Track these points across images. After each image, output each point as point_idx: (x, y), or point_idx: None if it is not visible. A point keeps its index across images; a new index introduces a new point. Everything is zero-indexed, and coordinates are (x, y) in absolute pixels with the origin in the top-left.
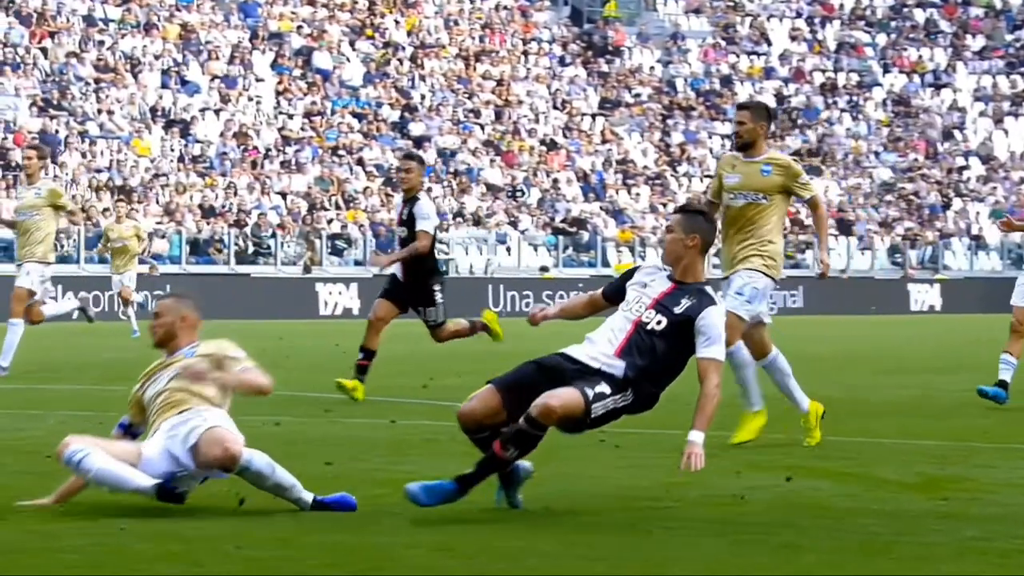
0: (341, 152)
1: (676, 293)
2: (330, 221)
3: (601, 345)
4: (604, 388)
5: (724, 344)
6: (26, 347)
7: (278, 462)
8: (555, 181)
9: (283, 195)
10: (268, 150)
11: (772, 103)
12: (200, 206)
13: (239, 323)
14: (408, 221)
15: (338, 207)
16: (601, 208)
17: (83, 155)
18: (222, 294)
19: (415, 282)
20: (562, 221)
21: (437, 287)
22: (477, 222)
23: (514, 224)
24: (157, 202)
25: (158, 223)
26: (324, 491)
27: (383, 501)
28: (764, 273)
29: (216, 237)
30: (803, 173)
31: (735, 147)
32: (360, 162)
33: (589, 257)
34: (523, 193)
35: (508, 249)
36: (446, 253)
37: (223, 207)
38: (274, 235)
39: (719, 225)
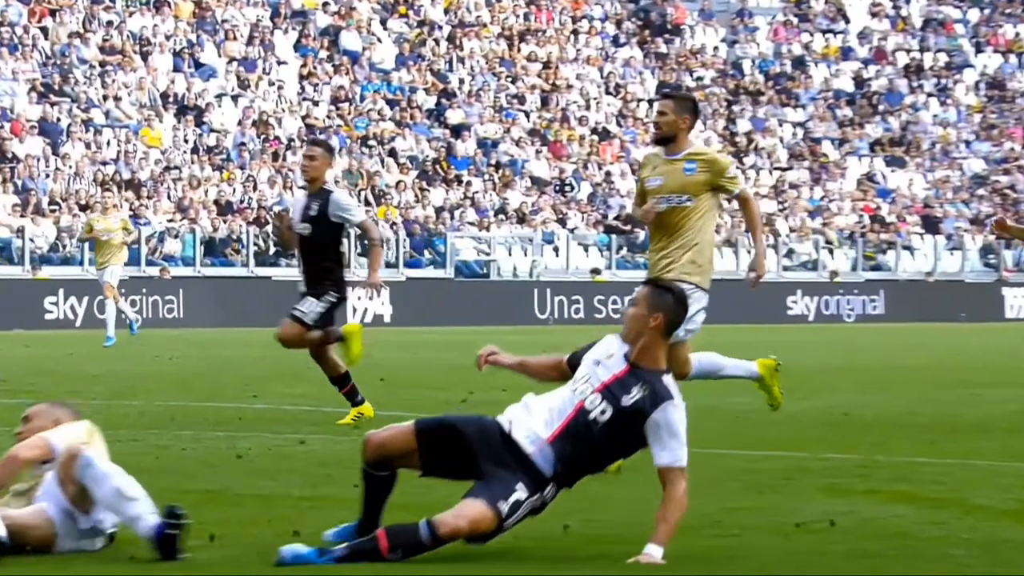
0: (371, 142)
1: (628, 379)
2: None
3: (537, 423)
4: (521, 494)
5: (686, 445)
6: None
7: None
8: (608, 174)
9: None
10: (291, 140)
11: (850, 87)
12: (216, 202)
13: (259, 331)
14: (318, 218)
15: (368, 203)
16: None
17: (87, 146)
18: (240, 299)
19: (313, 274)
20: (615, 218)
21: (333, 291)
22: (521, 220)
23: (562, 222)
24: (169, 198)
25: (170, 221)
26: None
27: None
28: (696, 285)
29: (234, 236)
30: (730, 166)
31: (653, 140)
32: (392, 153)
33: (645, 258)
34: (572, 187)
35: (556, 250)
36: (487, 254)
37: (241, 203)
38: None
39: (648, 232)
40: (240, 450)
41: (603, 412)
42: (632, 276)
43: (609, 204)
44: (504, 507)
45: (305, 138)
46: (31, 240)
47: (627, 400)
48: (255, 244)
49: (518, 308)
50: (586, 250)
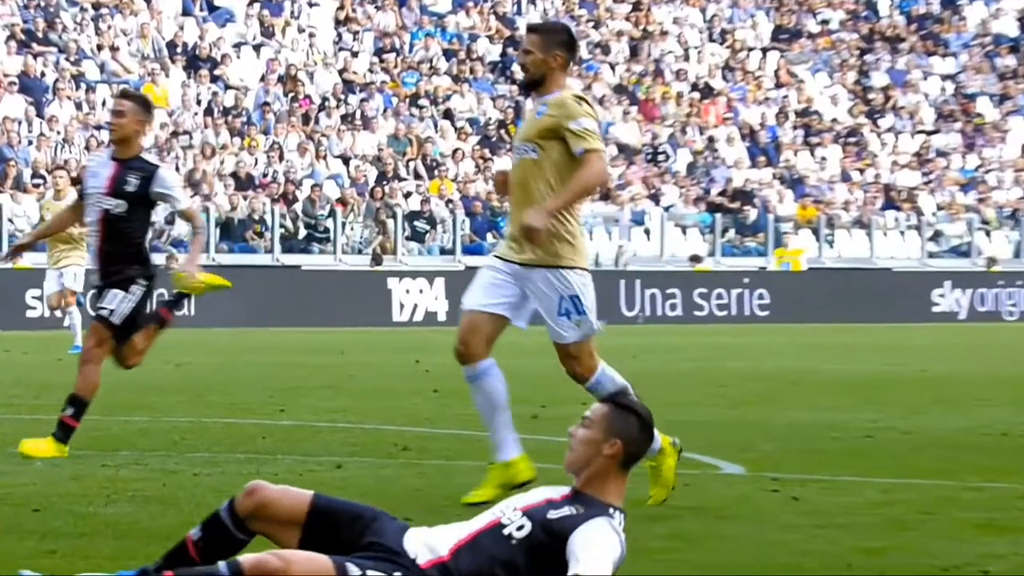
0: (422, 102)
1: (564, 502)
2: (408, 195)
3: (442, 535)
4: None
5: (608, 563)
6: None
7: None
8: (711, 140)
9: (345, 160)
10: (325, 100)
11: (1014, 30)
12: (234, 175)
13: (286, 331)
14: (136, 196)
15: (418, 176)
16: (774, 176)
17: (78, 106)
18: (264, 293)
19: (111, 263)
20: (720, 194)
21: (140, 280)
22: (605, 196)
23: (655, 199)
24: (177, 169)
25: None
26: None
27: None
28: (582, 268)
29: (256, 216)
30: (584, 115)
31: (520, 85)
32: (448, 115)
33: (756, 242)
34: (668, 157)
35: (647, 232)
36: None
37: (265, 176)
38: (333, 214)
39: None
40: (265, 476)
41: (520, 528)
42: (741, 265)
43: (712, 176)
44: (354, 571)
45: (340, 97)
46: (9, 221)
47: (553, 514)
48: (281, 226)
49: (601, 303)
50: (684, 232)
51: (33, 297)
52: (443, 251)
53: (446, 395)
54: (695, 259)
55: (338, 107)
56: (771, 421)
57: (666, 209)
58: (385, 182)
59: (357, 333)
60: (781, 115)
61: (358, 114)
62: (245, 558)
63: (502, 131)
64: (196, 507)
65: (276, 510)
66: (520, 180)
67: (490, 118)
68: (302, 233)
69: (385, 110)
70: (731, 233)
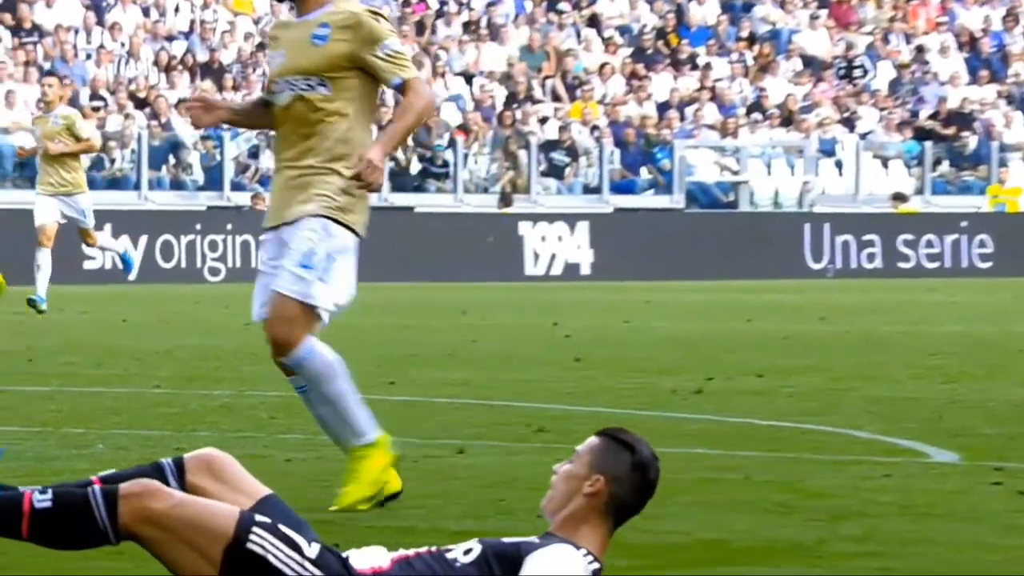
0: (562, 6)
1: (527, 541)
2: (544, 120)
3: (382, 551)
4: (295, 537)
5: None
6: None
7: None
8: (919, 50)
9: (468, 78)
10: (443, 4)
11: None
12: None
13: (396, 287)
14: None
15: (556, 97)
16: (1000, 94)
17: (145, 12)
18: (368, 240)
19: None
20: (931, 117)
21: None
22: (787, 121)
23: (849, 124)
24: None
25: None
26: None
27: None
28: (336, 221)
29: None
30: (390, 35)
31: None
32: (593, 22)
33: (976, 177)
34: (865, 72)
35: (838, 165)
36: (734, 173)
37: None
38: (452, 144)
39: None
40: None
41: (467, 552)
42: (957, 205)
43: (921, 96)
44: (256, 515)
45: (463, 1)
46: None
47: (509, 540)
48: (392, 159)
49: (781, 253)
50: (885, 165)
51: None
52: (587, 189)
53: (590, 365)
54: (899, 198)
55: (459, 13)
56: (993, 399)
57: (863, 137)
58: (516, 105)
59: (482, 289)
60: (1010, 18)
61: (484, 21)
62: (125, 485)
63: (660, 42)
64: (289, 499)
65: (234, 474)
66: (295, 127)
67: (645, 25)
68: (415, 168)
69: (517, 16)
70: (944, 166)
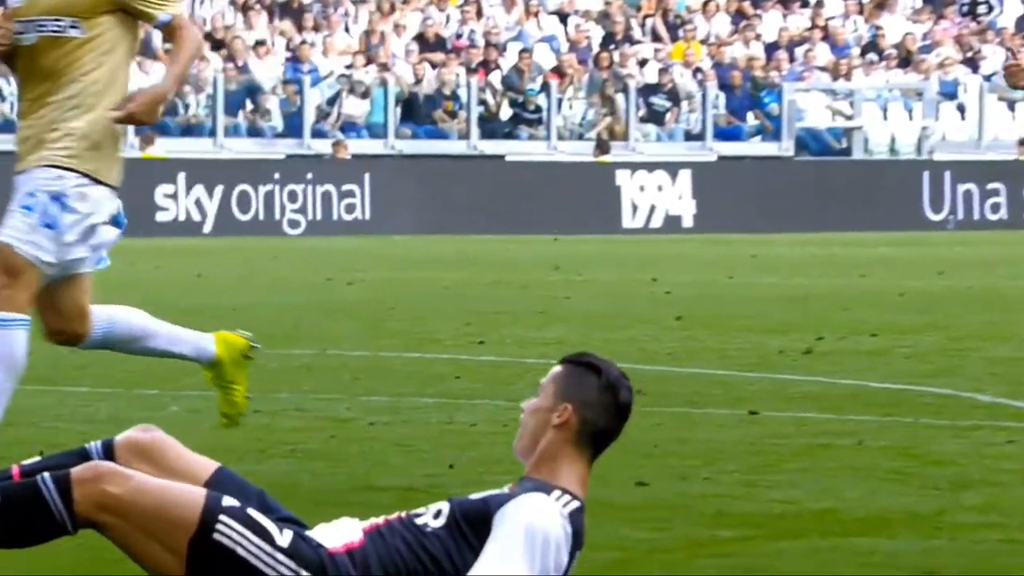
0: None
1: (496, 494)
2: (643, 62)
3: (353, 523)
4: (265, 524)
5: (520, 555)
6: None
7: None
8: None
9: (562, 17)
10: None
11: None
12: (420, 37)
13: (485, 239)
14: None
15: (656, 37)
16: None
17: None
18: (457, 190)
19: None
20: None
21: None
22: (905, 62)
23: (972, 64)
24: (347, 30)
25: (348, 67)
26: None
27: (727, 551)
28: (91, 176)
29: (447, 91)
30: None
31: None
32: None
33: None
34: (990, 8)
35: (961, 109)
36: (847, 117)
37: (459, 38)
38: (545, 87)
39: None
40: (459, 425)
41: (437, 515)
42: None
43: None
44: (224, 503)
45: None
46: None
47: (476, 496)
48: (480, 104)
49: (898, 203)
50: (1011, 109)
51: (165, 195)
52: (689, 136)
53: (692, 323)
54: None
55: None
56: None
57: (987, 78)
58: (614, 46)
59: (576, 242)
60: None
61: None
62: (76, 469)
63: None
64: (373, 465)
65: (173, 457)
66: (45, 64)
67: None
68: (506, 113)
69: None
70: None
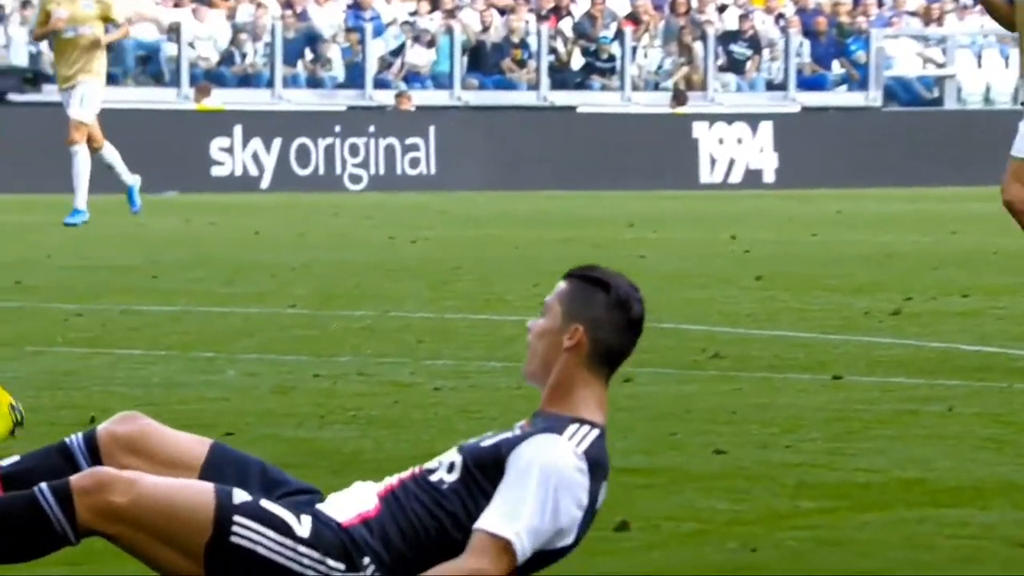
0: None
1: (513, 430)
2: (723, 8)
3: (369, 488)
4: (282, 515)
5: (528, 507)
6: None
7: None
8: None
9: None
10: None
11: None
12: None
13: (556, 195)
14: None
15: None
16: None
17: None
18: (526, 143)
19: None
20: None
21: None
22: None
23: None
24: None
25: (412, 14)
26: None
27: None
28: None
29: (515, 39)
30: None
31: None
32: None
33: None
34: None
35: None
36: (939, 66)
37: None
38: (619, 35)
39: None
40: (528, 390)
41: (451, 468)
42: None
43: None
44: (237, 499)
45: None
46: (190, 46)
47: (488, 441)
48: (551, 52)
49: (992, 156)
50: None
51: (220, 149)
52: (771, 86)
53: (773, 283)
54: None
55: None
56: None
57: None
58: None
59: (651, 198)
60: None
61: None
62: (75, 478)
63: None
64: (437, 432)
65: (162, 443)
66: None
67: None
68: (578, 62)
69: None
70: None
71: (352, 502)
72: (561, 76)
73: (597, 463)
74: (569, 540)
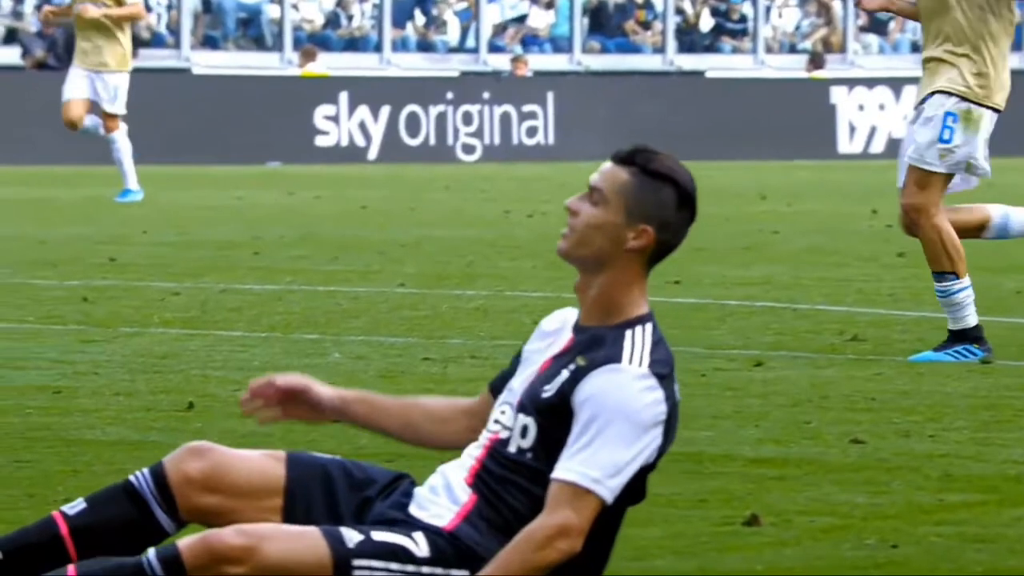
0: None
1: (562, 357)
2: None
3: (453, 475)
4: (398, 541)
5: (615, 454)
6: None
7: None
8: None
9: None
10: None
11: None
12: None
13: (694, 165)
14: None
15: None
16: None
17: None
18: (651, 109)
19: None
20: None
21: None
22: None
23: None
24: None
25: None
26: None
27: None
28: None
29: (639, 0)
30: None
31: None
32: None
33: None
34: None
35: None
36: None
37: None
38: None
39: None
40: None
41: (524, 433)
42: None
43: None
44: (351, 540)
45: None
46: (294, 7)
47: (548, 394)
48: (678, 12)
49: None
50: None
51: (325, 117)
52: (915, 48)
53: (917, 261)
54: None
55: None
56: None
57: None
58: None
59: (786, 168)
60: None
61: None
62: (184, 542)
63: None
64: None
65: (234, 474)
66: None
67: None
68: (707, 23)
69: None
70: None
71: (444, 498)
72: (689, 38)
73: (662, 365)
74: (659, 442)
